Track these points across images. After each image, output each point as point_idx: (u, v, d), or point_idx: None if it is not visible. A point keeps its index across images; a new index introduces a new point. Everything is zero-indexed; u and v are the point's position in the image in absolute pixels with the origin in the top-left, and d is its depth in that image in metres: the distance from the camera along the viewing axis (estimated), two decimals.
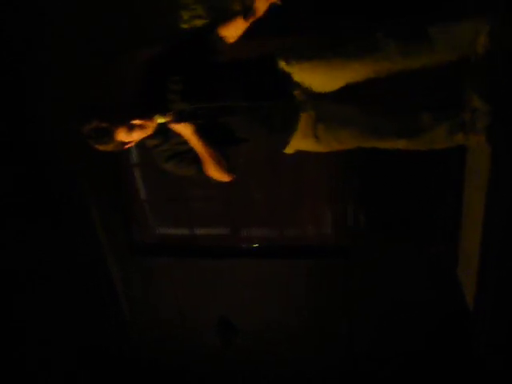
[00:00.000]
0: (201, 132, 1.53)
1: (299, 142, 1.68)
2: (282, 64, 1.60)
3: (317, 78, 1.61)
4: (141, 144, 1.61)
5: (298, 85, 1.61)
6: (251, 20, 1.59)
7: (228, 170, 1.62)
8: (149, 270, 3.34)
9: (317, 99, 1.64)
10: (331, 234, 2.98)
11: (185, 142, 1.57)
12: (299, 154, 1.80)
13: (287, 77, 1.60)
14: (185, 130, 1.51)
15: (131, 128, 1.43)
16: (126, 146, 1.51)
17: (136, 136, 1.46)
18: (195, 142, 1.53)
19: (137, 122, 1.43)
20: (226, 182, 1.69)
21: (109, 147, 1.45)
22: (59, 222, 3.09)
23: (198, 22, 2.28)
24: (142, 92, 1.55)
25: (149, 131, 1.51)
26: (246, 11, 1.57)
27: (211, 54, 1.64)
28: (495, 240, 1.87)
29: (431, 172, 2.46)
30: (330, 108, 1.65)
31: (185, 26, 2.34)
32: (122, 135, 1.42)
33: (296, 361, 3.34)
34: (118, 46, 2.50)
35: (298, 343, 3.26)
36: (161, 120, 1.48)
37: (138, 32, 2.42)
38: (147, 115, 1.45)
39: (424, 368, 3.02)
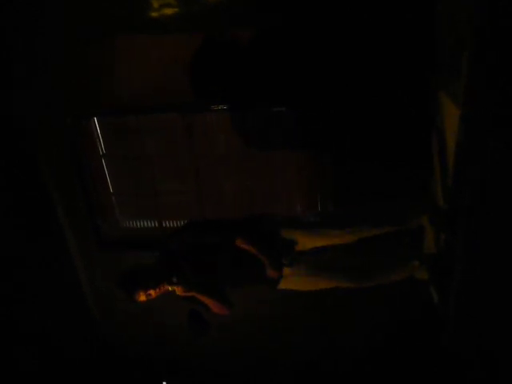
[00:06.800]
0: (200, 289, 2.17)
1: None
2: None
3: None
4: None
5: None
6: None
7: (225, 307, 2.23)
8: (116, 264, 3.27)
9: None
10: None
11: None
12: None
13: None
14: (190, 293, 2.17)
15: (149, 295, 2.14)
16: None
17: (154, 296, 2.15)
18: (199, 297, 2.19)
19: (151, 292, 2.14)
20: None
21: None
22: (23, 217, 2.99)
23: (168, 11, 2.27)
24: (159, 267, 2.19)
25: (162, 292, 2.18)
26: None
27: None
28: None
29: None
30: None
31: (155, 14, 2.32)
32: (143, 298, 2.15)
33: (271, 351, 3.38)
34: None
35: (271, 335, 3.30)
36: (171, 288, 2.13)
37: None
38: (160, 285, 2.13)
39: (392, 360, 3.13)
